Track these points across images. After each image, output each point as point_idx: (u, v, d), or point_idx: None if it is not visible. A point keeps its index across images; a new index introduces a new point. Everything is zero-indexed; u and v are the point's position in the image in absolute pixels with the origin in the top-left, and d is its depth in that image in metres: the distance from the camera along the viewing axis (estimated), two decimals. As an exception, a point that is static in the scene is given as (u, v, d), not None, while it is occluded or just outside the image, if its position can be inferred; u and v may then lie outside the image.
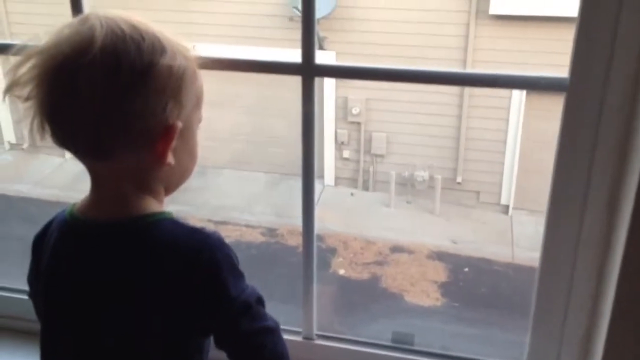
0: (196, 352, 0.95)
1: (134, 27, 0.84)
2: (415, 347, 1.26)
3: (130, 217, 0.90)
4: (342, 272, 5.81)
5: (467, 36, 6.57)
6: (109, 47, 0.82)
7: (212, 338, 0.95)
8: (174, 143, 0.88)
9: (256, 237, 6.25)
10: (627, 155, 1.01)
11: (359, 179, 7.34)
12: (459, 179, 7.07)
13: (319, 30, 6.78)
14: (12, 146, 7.76)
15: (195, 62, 0.91)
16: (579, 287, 1.11)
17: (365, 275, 5.78)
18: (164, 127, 0.86)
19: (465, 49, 6.58)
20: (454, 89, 6.71)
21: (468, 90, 6.71)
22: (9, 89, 0.85)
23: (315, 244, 1.22)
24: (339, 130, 7.25)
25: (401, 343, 1.26)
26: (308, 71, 1.10)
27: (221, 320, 0.91)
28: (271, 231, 6.33)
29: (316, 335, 1.29)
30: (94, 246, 0.91)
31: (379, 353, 1.26)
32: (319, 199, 6.78)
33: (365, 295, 5.56)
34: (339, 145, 7.31)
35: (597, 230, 1.07)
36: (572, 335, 1.16)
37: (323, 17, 6.70)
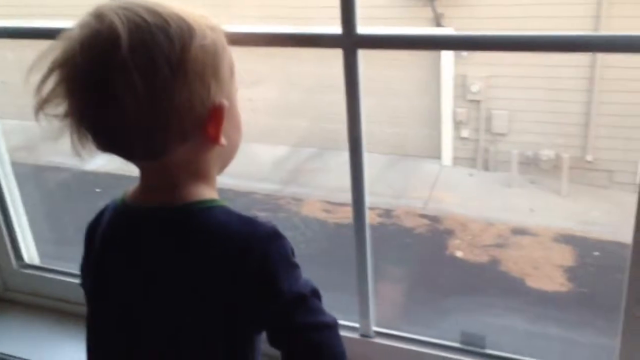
0: (248, 348, 0.89)
1: (155, 13, 0.77)
2: (487, 351, 1.12)
3: (181, 203, 0.86)
4: (459, 254, 5.63)
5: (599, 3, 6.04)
6: (136, 43, 0.75)
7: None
8: (224, 122, 0.83)
9: (373, 218, 6.20)
10: None
11: (479, 158, 7.05)
12: (589, 158, 6.60)
13: (436, 7, 6.55)
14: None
15: (221, 32, 0.85)
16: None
17: (484, 258, 5.55)
18: (212, 110, 0.81)
19: (597, 18, 6.06)
20: (583, 61, 6.22)
21: (600, 61, 6.20)
22: (40, 110, 0.80)
23: (368, 228, 1.10)
24: (457, 109, 6.97)
25: (471, 345, 1.12)
26: (349, 43, 0.97)
27: (272, 313, 0.84)
28: (388, 212, 6.23)
29: (374, 332, 1.18)
30: (143, 232, 0.88)
31: (443, 355, 1.13)
32: (436, 180, 6.59)
33: (483, 279, 5.34)
34: (457, 124, 7.04)
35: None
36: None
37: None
